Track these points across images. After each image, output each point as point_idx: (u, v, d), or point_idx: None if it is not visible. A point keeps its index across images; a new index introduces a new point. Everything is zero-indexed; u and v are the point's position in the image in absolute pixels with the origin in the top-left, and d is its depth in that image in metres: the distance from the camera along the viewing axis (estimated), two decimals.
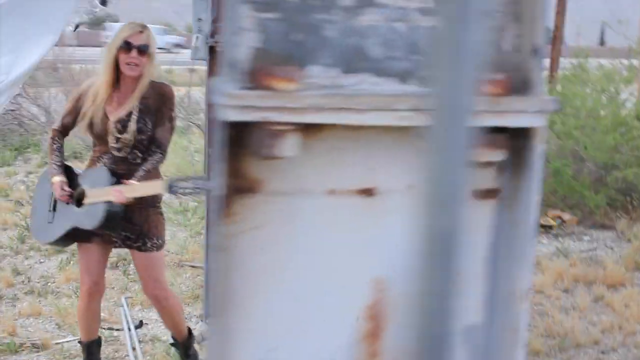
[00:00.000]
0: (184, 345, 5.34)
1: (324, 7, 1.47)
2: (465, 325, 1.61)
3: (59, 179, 4.61)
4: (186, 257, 7.90)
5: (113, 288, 6.94)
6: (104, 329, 6.25)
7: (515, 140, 1.48)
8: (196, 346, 5.54)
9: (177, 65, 20.14)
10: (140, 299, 6.76)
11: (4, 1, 4.72)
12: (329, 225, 1.55)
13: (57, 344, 5.68)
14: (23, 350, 5.66)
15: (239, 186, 1.50)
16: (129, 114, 4.65)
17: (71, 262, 7.37)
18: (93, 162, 4.70)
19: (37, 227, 4.85)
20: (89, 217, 4.66)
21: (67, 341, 5.65)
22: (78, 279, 6.84)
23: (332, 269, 1.57)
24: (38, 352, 5.57)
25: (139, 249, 4.88)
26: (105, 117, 4.56)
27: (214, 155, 1.51)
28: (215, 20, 5.56)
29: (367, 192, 1.55)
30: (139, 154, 4.71)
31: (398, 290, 1.59)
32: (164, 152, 4.78)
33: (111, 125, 4.56)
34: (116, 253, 7.89)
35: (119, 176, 4.65)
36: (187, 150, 12.93)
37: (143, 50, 4.55)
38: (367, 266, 1.58)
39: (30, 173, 11.30)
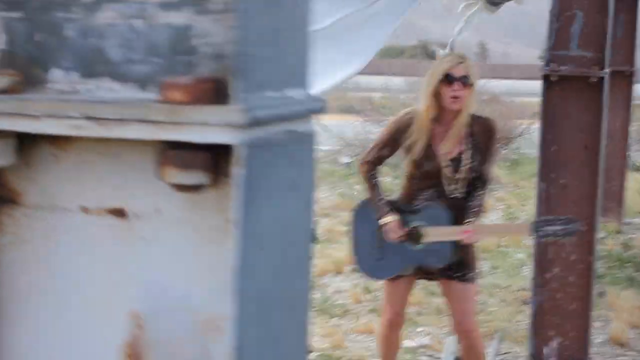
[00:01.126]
0: None
1: (65, 4, 1.34)
2: None
3: (392, 219, 4.65)
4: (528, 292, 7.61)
5: (445, 315, 6.83)
6: (424, 355, 6.26)
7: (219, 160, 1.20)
8: None
9: None
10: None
11: (323, 27, 4.91)
12: (85, 247, 1.40)
13: None
14: None
15: (2, 196, 1.43)
16: (461, 152, 4.65)
17: (420, 286, 7.47)
18: (410, 195, 4.73)
19: (366, 264, 4.97)
20: (434, 256, 4.74)
21: None
22: (421, 304, 6.95)
23: (91, 296, 1.41)
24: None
25: (459, 279, 4.87)
26: (434, 153, 4.60)
27: None
28: None
29: (119, 213, 1.37)
30: (465, 191, 4.71)
31: (155, 329, 1.37)
32: (488, 188, 4.73)
33: (443, 164, 4.59)
34: None
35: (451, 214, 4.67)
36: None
37: (465, 82, 4.51)
38: (125, 298, 1.39)
39: None
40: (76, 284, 1.42)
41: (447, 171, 4.40)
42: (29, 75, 1.37)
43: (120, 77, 1.33)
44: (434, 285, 7.44)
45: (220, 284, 1.31)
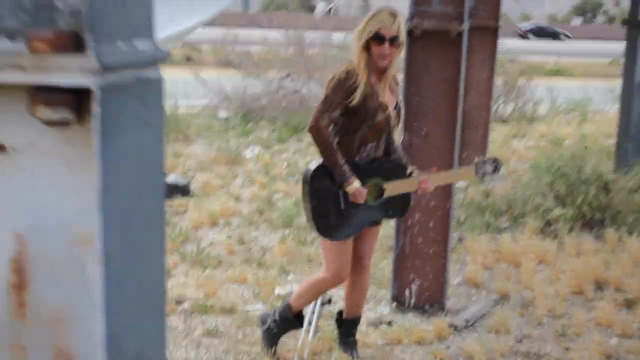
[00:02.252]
0: (352, 324, 5.31)
1: None
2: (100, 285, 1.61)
3: (358, 183, 4.60)
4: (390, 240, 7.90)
5: (318, 264, 7.15)
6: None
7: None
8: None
9: None
10: None
11: None
12: None
13: (244, 310, 6.06)
14: (212, 312, 6.10)
15: None
16: (395, 102, 4.79)
17: (290, 237, 7.75)
18: (350, 151, 4.66)
19: (331, 226, 4.71)
20: (396, 209, 4.90)
21: (254, 310, 6.02)
22: (291, 254, 7.25)
23: None
24: (224, 315, 6.00)
25: (378, 223, 5.02)
26: (382, 104, 4.67)
27: None
28: None
29: (1, 148, 1.61)
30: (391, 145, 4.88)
31: (36, 246, 1.62)
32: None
33: (391, 114, 4.71)
34: None
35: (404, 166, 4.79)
36: None
37: (394, 43, 4.57)
38: (8, 221, 1.63)
39: (296, 152, 11.90)
40: None
41: (393, 121, 4.54)
42: None
43: None
44: (306, 234, 7.75)
45: (89, 204, 1.57)
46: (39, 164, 1.60)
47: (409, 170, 4.75)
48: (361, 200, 4.64)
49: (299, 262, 7.15)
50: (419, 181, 4.69)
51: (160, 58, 1.62)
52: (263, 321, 5.26)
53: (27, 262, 1.64)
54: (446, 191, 6.17)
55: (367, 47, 4.43)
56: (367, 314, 6.12)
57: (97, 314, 1.61)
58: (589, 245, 7.40)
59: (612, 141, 11.56)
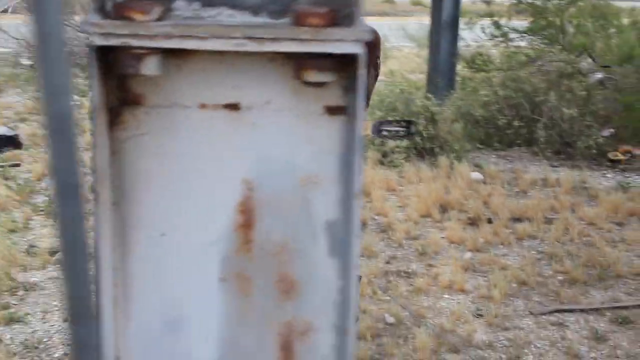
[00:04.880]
0: None
1: None
2: (325, 220, 1.91)
3: None
4: None
5: None
6: None
7: (346, 65, 1.75)
8: None
9: None
10: None
11: None
12: (203, 135, 1.87)
13: None
14: None
15: (126, 99, 1.84)
16: None
17: None
18: None
19: None
20: None
21: None
22: None
23: (208, 170, 1.89)
24: None
25: None
26: None
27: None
28: None
29: (233, 107, 1.86)
30: None
31: (263, 190, 1.89)
32: (366, 100, 5.10)
33: None
34: None
35: None
36: None
37: None
38: (237, 169, 1.89)
39: None
40: (196, 162, 1.89)
41: None
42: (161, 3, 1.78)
43: (236, 5, 1.80)
44: None
45: (319, 150, 1.87)
46: (271, 118, 1.87)
47: None
48: None
49: None
50: None
51: None
52: None
53: (255, 204, 1.91)
54: None
55: None
56: None
57: (319, 247, 1.92)
58: (426, 173, 8.19)
59: (416, 76, 12.50)
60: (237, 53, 1.78)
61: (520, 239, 7.03)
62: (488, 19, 10.42)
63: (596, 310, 5.92)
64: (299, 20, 1.72)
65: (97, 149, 1.78)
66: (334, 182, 1.89)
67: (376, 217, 7.36)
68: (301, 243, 1.93)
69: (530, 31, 9.63)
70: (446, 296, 6.04)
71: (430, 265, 6.58)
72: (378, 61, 4.78)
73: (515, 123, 8.80)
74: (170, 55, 1.80)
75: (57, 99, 0.89)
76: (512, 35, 9.91)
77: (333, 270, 1.93)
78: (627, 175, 8.63)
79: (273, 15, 1.80)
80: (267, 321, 1.97)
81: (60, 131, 0.88)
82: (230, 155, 1.89)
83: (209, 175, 1.90)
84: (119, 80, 1.83)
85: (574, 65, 9.13)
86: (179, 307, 1.96)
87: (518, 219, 7.32)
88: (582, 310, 5.91)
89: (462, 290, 6.09)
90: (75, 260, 0.92)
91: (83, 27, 1.71)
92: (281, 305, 1.96)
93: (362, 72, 1.74)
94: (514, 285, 6.26)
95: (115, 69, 1.76)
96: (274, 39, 1.71)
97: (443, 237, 6.97)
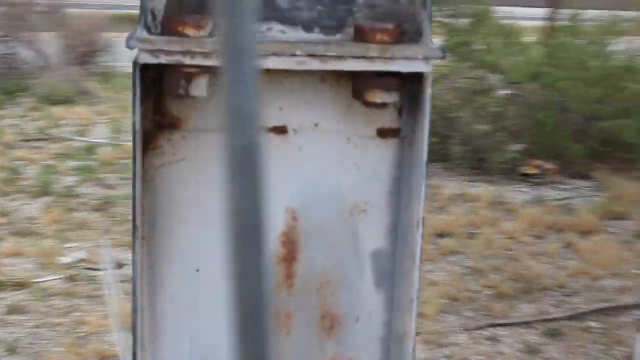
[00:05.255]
0: None
1: None
2: (373, 250, 1.79)
3: None
4: None
5: (95, 230, 7.11)
6: (84, 268, 6.43)
7: (409, 84, 1.64)
8: None
9: None
10: (124, 241, 6.94)
11: None
12: None
13: (37, 282, 5.86)
14: (4, 288, 5.84)
15: (162, 122, 1.67)
16: None
17: (54, 204, 7.52)
18: None
19: None
20: None
21: (47, 280, 5.84)
22: (62, 221, 7.07)
23: None
24: (19, 290, 5.75)
25: None
26: None
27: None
28: None
29: (280, 130, 1.72)
30: None
31: (308, 219, 1.75)
32: None
33: None
34: (101, 195, 8.08)
35: None
36: None
37: None
38: (281, 196, 1.74)
39: (22, 117, 11.38)
40: None
41: None
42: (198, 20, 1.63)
43: (287, 20, 1.66)
44: (70, 200, 7.65)
45: (367, 176, 1.75)
46: (319, 142, 1.74)
47: None
48: None
49: (74, 230, 7.01)
50: None
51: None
52: None
53: (298, 234, 1.77)
54: None
55: None
56: None
57: (365, 278, 1.80)
58: None
59: None
60: (285, 72, 1.65)
61: (444, 254, 7.04)
62: None
63: (527, 323, 5.97)
64: (363, 36, 1.60)
65: (136, 178, 1.61)
66: (382, 209, 1.78)
67: None
68: (346, 275, 1.80)
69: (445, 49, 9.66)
70: None
71: None
72: None
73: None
74: (210, 75, 1.65)
75: (244, 127, 0.76)
76: None
77: (378, 304, 1.81)
78: (541, 189, 8.80)
79: (327, 30, 1.67)
80: None
81: (244, 166, 0.75)
82: (274, 182, 1.74)
83: None
84: (155, 101, 1.66)
85: (484, 82, 9.26)
86: (212, 350, 1.79)
87: (441, 235, 7.33)
88: (513, 324, 5.95)
89: None
90: (253, 322, 0.78)
91: (129, 43, 1.54)
92: (323, 342, 1.83)
93: (429, 92, 1.64)
94: (445, 301, 6.25)
95: (156, 89, 1.60)
96: (339, 57, 1.58)
97: None
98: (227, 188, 0.94)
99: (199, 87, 1.56)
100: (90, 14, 15.27)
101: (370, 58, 1.58)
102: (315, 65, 1.57)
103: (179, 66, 1.54)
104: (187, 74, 1.54)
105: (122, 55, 16.73)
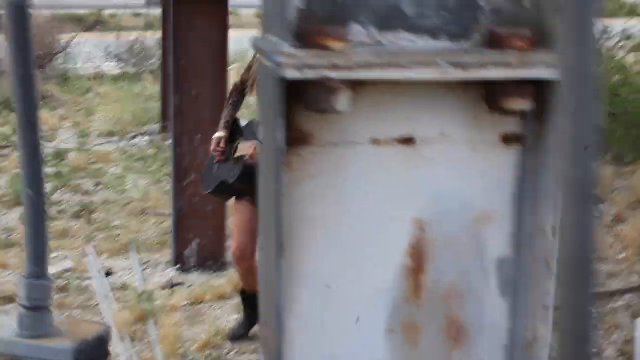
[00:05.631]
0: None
1: None
2: (497, 258, 1.77)
3: (218, 135, 4.60)
4: (149, 204, 7.90)
5: (77, 237, 6.97)
6: (74, 279, 6.27)
7: (540, 90, 1.62)
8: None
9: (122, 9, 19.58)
10: (108, 247, 6.81)
11: None
12: (373, 172, 1.68)
13: None
14: None
15: (292, 138, 1.62)
16: None
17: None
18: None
19: (204, 176, 4.89)
20: (232, 171, 4.67)
21: None
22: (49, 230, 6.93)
23: (378, 211, 1.71)
24: (9, 303, 5.61)
25: (251, 201, 4.74)
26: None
27: (266, 110, 1.62)
28: None
29: (407, 141, 1.68)
30: None
31: (435, 229, 1.73)
32: None
33: None
34: (78, 202, 7.89)
35: None
36: (140, 97, 12.77)
37: None
38: (409, 208, 1.71)
39: None
40: (365, 202, 1.70)
41: None
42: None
43: (415, 28, 1.63)
44: (50, 210, 7.52)
45: (492, 184, 1.73)
46: (445, 151, 1.71)
47: None
48: (211, 149, 4.81)
49: (56, 238, 6.88)
50: (251, 145, 4.61)
51: None
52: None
53: (426, 246, 1.74)
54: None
55: None
56: (158, 279, 6.19)
57: (490, 287, 1.78)
58: None
59: None
60: (410, 82, 1.61)
61: None
62: None
63: None
64: (500, 43, 1.58)
65: (277, 195, 1.57)
66: (506, 217, 1.76)
67: None
68: (471, 284, 1.78)
69: None
70: None
71: None
72: None
73: None
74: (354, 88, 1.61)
75: (582, 158, 0.73)
76: None
77: (503, 311, 1.80)
78: None
79: (453, 37, 1.64)
80: None
81: (579, 196, 0.73)
82: (402, 194, 1.72)
83: (378, 216, 1.72)
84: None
85: None
86: None
87: None
88: None
89: None
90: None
91: (272, 57, 1.49)
92: (449, 353, 1.80)
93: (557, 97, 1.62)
94: None
95: (290, 105, 1.56)
96: (481, 65, 1.55)
97: None
98: (561, 217, 0.92)
99: (343, 101, 1.52)
100: (45, 15, 14.94)
101: (511, 65, 1.55)
102: (457, 74, 1.55)
103: (322, 80, 1.49)
104: (331, 89, 1.50)
105: (80, 57, 16.35)
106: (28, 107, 3.83)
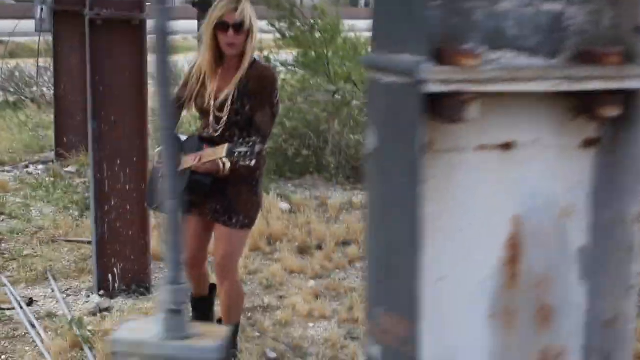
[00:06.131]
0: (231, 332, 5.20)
1: None
2: (578, 247, 2.02)
3: (158, 149, 4.69)
4: (60, 231, 7.81)
5: None
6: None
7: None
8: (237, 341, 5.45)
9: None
10: (23, 277, 6.75)
11: None
12: (478, 174, 1.90)
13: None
14: None
15: None
16: (229, 94, 4.72)
17: None
18: (201, 125, 4.85)
19: (148, 193, 5.02)
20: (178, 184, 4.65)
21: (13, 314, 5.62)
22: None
23: (481, 210, 1.92)
24: None
25: (224, 223, 4.88)
26: (209, 95, 4.64)
27: (391, 121, 1.80)
28: None
29: (507, 146, 1.91)
30: (236, 135, 4.78)
31: (528, 224, 1.96)
32: (263, 137, 4.78)
33: (211, 103, 4.66)
34: None
35: (206, 143, 4.75)
36: (27, 125, 12.48)
37: (239, 29, 4.57)
38: (508, 206, 1.94)
39: None
40: (468, 205, 1.91)
41: (213, 110, 4.58)
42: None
43: (518, 48, 1.86)
44: None
45: (573, 183, 1.98)
46: (538, 155, 1.94)
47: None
48: (155, 160, 5.00)
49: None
50: (195, 157, 4.68)
51: None
52: None
53: (521, 239, 1.97)
54: (141, 173, 6.47)
55: (215, 38, 4.63)
56: (83, 306, 6.22)
57: (572, 273, 2.03)
58: None
59: None
60: (513, 94, 1.84)
61: (352, 261, 7.32)
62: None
63: None
64: (594, 59, 1.82)
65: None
66: (585, 211, 2.01)
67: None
68: (557, 271, 2.02)
69: (298, 64, 10.02)
70: (311, 324, 6.15)
71: (282, 297, 6.65)
72: (274, 100, 4.79)
73: (304, 152, 9.11)
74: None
75: None
76: (281, 69, 10.22)
77: (583, 294, 2.04)
78: None
79: (547, 56, 1.88)
80: (526, 352, 2.03)
81: None
82: (502, 194, 1.94)
83: (483, 214, 1.93)
84: None
85: (340, 93, 9.64)
86: (453, 354, 1.95)
87: (345, 243, 7.61)
88: None
89: (324, 317, 6.23)
90: None
91: (413, 74, 1.69)
92: (539, 334, 2.03)
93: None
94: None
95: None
96: (584, 78, 1.80)
97: (282, 269, 7.06)
98: None
99: (472, 111, 1.73)
100: None
101: (609, 78, 1.81)
102: (566, 87, 1.78)
103: (456, 94, 1.70)
104: (464, 100, 1.71)
105: None
106: None
